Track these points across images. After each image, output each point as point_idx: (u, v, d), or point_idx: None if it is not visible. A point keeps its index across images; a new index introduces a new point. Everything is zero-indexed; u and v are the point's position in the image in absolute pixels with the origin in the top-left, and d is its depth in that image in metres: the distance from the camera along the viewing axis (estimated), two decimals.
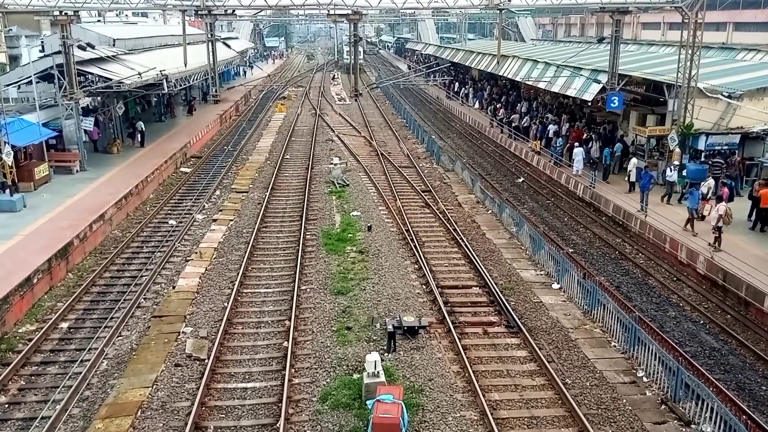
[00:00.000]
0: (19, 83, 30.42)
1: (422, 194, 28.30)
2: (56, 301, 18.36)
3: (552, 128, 35.08)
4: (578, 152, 29.64)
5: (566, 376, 14.10)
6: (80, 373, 14.23)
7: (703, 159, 25.79)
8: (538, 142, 35.21)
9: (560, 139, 33.23)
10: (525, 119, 39.74)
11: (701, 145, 26.01)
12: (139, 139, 36.34)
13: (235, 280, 18.91)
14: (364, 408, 12.50)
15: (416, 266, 20.26)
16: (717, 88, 27.00)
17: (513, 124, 40.05)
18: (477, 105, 52.68)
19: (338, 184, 29.97)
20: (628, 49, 52.24)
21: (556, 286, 18.88)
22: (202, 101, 53.98)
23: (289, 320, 16.35)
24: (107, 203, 24.57)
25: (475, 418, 12.62)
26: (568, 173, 29.99)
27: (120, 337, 16.15)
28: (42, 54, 33.15)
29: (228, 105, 51.35)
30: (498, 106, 46.09)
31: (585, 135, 32.26)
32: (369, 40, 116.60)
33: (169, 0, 30.91)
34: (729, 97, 26.37)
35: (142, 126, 36.75)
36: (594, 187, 27.21)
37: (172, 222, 25.00)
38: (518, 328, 16.02)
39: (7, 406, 13.47)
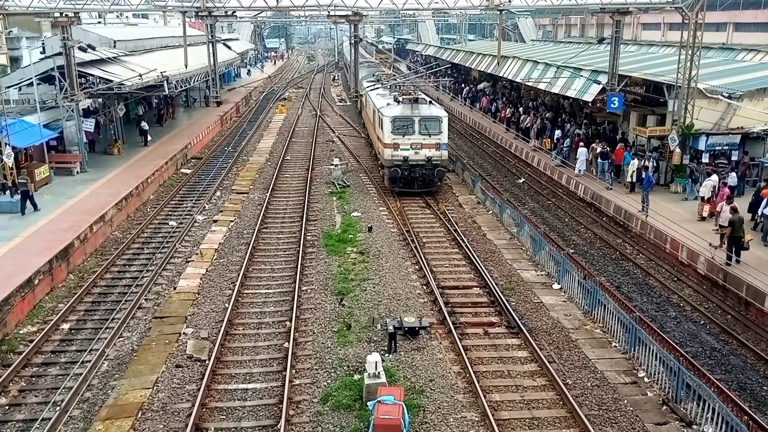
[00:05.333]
0: (20, 85, 30.47)
1: (423, 195, 28.28)
2: (57, 302, 18.36)
3: (568, 127, 34.79)
4: (582, 152, 29.57)
5: (567, 376, 14.09)
6: (81, 374, 14.23)
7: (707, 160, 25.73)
8: (547, 140, 34.84)
9: (567, 140, 33.09)
10: (528, 119, 39.61)
11: (702, 146, 26.01)
12: (142, 139, 36.45)
13: (236, 281, 18.93)
14: (364, 409, 12.50)
15: (417, 267, 20.26)
16: (717, 88, 26.99)
17: (521, 125, 39.75)
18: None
19: (339, 184, 29.96)
20: (629, 49, 52.25)
21: (556, 286, 18.87)
22: (203, 103, 54.00)
23: (290, 321, 16.36)
24: (108, 204, 24.57)
25: (476, 419, 12.61)
26: (570, 174, 29.96)
27: (121, 338, 16.15)
28: (43, 55, 33.17)
29: (229, 106, 51.36)
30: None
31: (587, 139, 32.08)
32: (376, 45, 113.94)
33: (169, 1, 30.90)
34: (729, 97, 26.36)
35: (146, 125, 36.86)
36: (612, 188, 27.02)
37: (173, 223, 25.01)
38: (519, 329, 16.02)
39: (7, 407, 13.47)
